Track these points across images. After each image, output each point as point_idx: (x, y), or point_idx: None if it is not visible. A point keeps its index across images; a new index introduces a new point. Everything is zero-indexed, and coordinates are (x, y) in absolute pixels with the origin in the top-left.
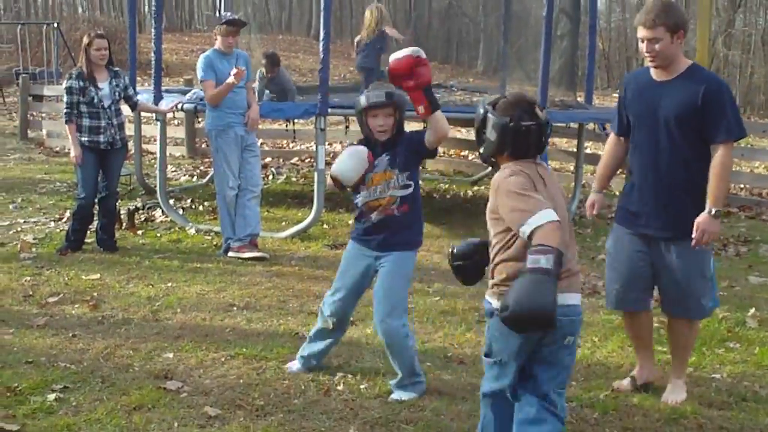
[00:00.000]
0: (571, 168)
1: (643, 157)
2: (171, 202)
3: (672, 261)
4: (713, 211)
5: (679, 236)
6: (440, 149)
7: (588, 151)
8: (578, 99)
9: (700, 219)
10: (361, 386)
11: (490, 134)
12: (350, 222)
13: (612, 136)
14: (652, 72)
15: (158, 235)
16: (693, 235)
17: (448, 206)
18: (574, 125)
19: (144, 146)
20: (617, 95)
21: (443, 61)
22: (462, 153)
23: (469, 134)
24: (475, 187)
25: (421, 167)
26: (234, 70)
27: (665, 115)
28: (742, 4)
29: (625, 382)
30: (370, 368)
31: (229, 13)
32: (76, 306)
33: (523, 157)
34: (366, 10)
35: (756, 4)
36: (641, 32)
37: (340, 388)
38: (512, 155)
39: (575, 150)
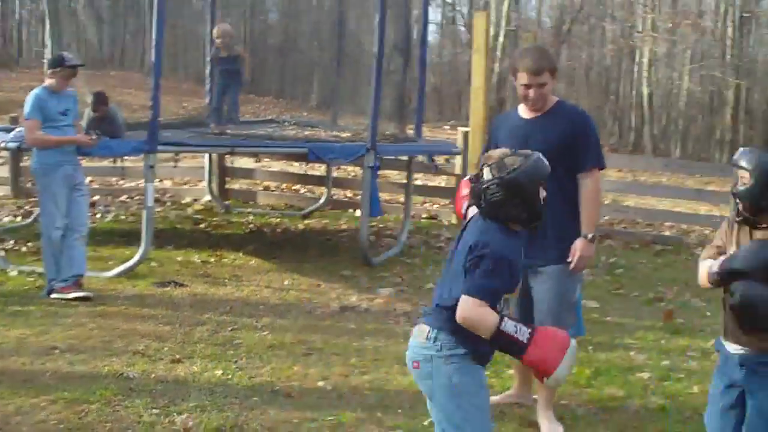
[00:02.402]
0: (401, 199)
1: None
2: None
3: (545, 289)
4: (589, 236)
5: (552, 264)
6: (272, 183)
7: (418, 182)
8: (409, 132)
9: (578, 244)
10: (189, 424)
11: None
12: (179, 259)
13: None
14: (521, 111)
15: None
16: (571, 260)
17: (279, 241)
18: (404, 158)
19: None
20: (449, 127)
21: (277, 95)
22: (293, 187)
23: (301, 168)
24: (306, 221)
25: (251, 201)
26: (89, 137)
27: (538, 149)
28: (566, 40)
29: (498, 397)
30: (196, 406)
31: (67, 54)
32: None
33: None
34: (217, 28)
35: (579, 39)
36: (527, 79)
37: (165, 427)
38: None
39: (405, 182)
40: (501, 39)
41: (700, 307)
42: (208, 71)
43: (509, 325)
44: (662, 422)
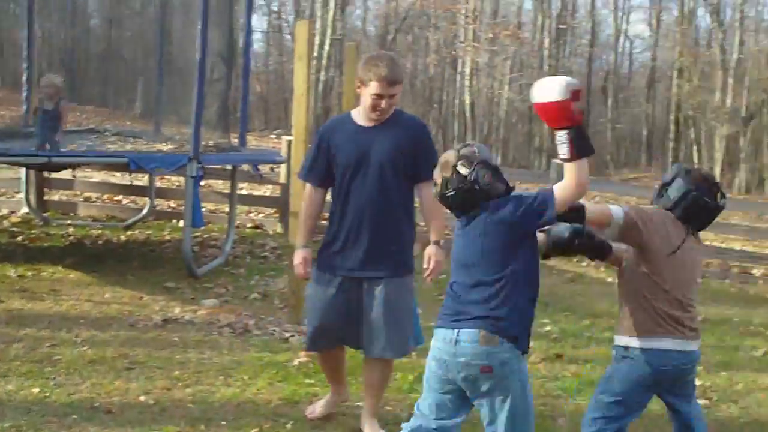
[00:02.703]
0: (227, 209)
1: (357, 201)
2: None
3: (381, 300)
4: (441, 242)
5: (390, 275)
6: (94, 194)
7: (243, 192)
8: (233, 141)
9: (433, 250)
10: None
11: None
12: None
13: (310, 188)
14: (357, 118)
15: None
16: (427, 267)
17: (100, 253)
18: (229, 167)
19: None
20: (275, 136)
21: (101, 104)
22: (116, 198)
23: (123, 178)
24: (129, 232)
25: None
26: None
27: (380, 159)
28: (391, 49)
29: (318, 408)
30: (11, 426)
31: None
32: None
33: None
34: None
35: (403, 48)
36: (381, 89)
37: None
38: None
39: (230, 191)
40: (327, 48)
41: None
42: (24, 78)
43: None
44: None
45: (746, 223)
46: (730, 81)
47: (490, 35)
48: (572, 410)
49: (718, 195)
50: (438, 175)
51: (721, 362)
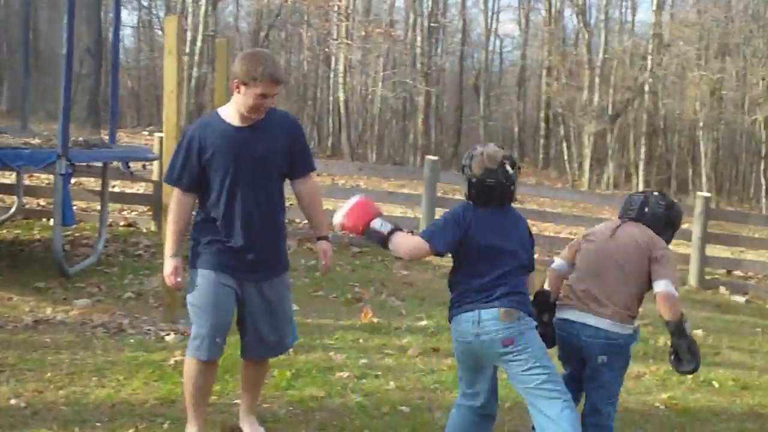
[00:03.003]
0: (98, 207)
1: (243, 203)
2: None
3: (267, 300)
4: (329, 236)
5: (278, 274)
6: None
7: (116, 189)
8: (104, 138)
9: (326, 245)
10: None
11: None
12: None
13: (179, 193)
14: (227, 117)
15: None
16: (324, 261)
17: None
18: (99, 164)
19: None
20: (147, 133)
21: None
22: None
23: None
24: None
25: None
26: None
27: (261, 159)
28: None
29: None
30: None
31: None
32: None
33: None
34: None
35: (276, 45)
36: (269, 89)
37: None
38: None
39: (101, 189)
40: (199, 44)
41: (396, 306)
42: None
43: None
44: (361, 419)
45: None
46: (597, 80)
47: (363, 33)
48: (449, 403)
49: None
50: (477, 164)
51: None
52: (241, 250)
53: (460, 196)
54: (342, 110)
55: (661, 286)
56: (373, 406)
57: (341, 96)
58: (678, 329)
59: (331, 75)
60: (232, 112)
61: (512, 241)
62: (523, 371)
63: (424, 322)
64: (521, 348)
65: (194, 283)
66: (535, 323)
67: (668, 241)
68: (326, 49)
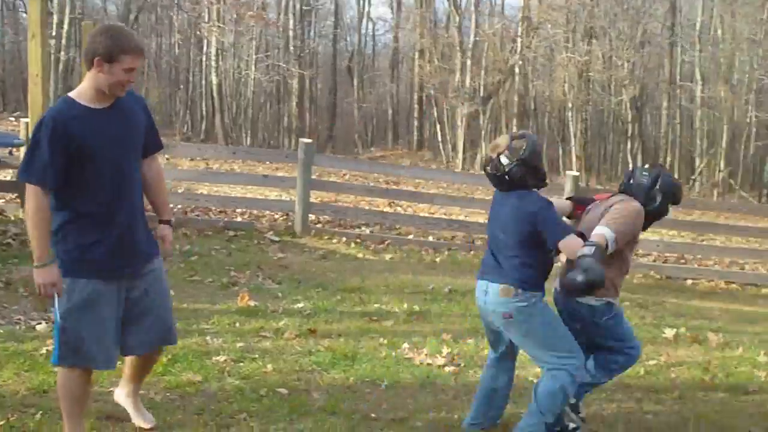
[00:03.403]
0: None
1: (116, 193)
2: None
3: (156, 288)
4: (173, 221)
5: (154, 257)
6: None
7: None
8: None
9: (167, 231)
10: None
11: None
12: None
13: (40, 192)
14: (87, 101)
15: None
16: (164, 248)
17: None
18: None
19: None
20: (14, 118)
21: None
22: None
23: None
24: None
25: None
26: None
27: (127, 143)
28: (133, 29)
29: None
30: None
31: None
32: None
33: None
34: None
35: (147, 28)
36: (136, 62)
37: None
38: None
39: None
40: (66, 27)
41: (272, 289)
42: None
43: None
44: (239, 402)
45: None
46: (469, 62)
47: (235, 16)
48: (328, 383)
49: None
50: (490, 150)
51: (468, 330)
52: (126, 244)
53: (335, 178)
54: (215, 94)
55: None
56: (251, 389)
57: (214, 80)
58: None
59: (204, 58)
60: (87, 94)
61: (493, 225)
62: (519, 341)
63: (300, 305)
64: (519, 321)
65: (69, 291)
66: (538, 296)
67: (664, 212)
68: (198, 33)
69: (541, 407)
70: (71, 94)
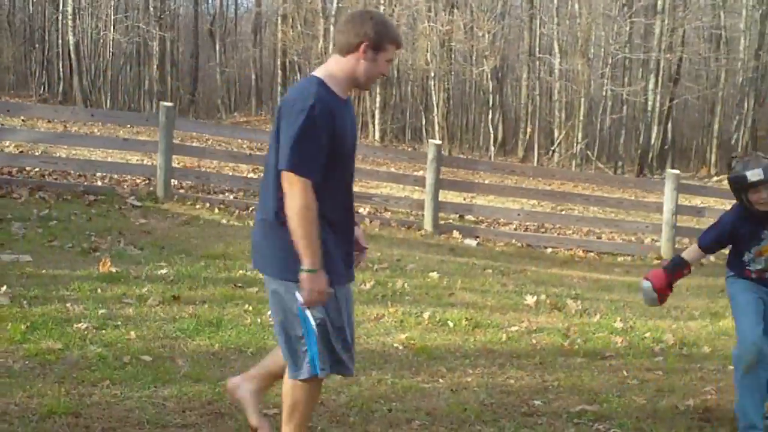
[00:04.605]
0: None
1: (348, 194)
2: None
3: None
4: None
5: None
6: None
7: None
8: None
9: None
10: None
11: None
12: None
13: (310, 188)
14: (338, 89)
15: None
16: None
17: None
18: None
19: None
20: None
21: None
22: None
23: None
24: None
25: None
26: None
27: (355, 140)
28: None
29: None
30: None
31: None
32: None
33: None
34: None
35: None
36: (394, 54)
37: None
38: None
39: None
40: None
41: (134, 255)
42: None
43: None
44: (101, 370)
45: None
46: (332, 29)
47: None
48: (192, 350)
49: None
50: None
51: None
52: (350, 248)
53: (198, 143)
54: (72, 54)
55: None
56: (114, 357)
57: (71, 39)
58: None
59: (60, 17)
60: (338, 80)
61: None
62: None
63: (164, 271)
64: None
65: (333, 299)
66: None
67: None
68: None
69: None
70: (322, 77)
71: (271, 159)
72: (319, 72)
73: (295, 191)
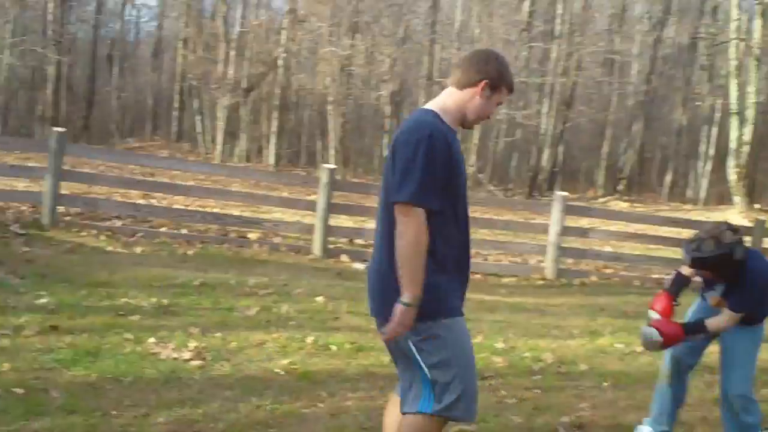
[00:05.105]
0: None
1: (462, 227)
2: None
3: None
4: None
5: None
6: None
7: None
8: None
9: None
10: None
11: None
12: None
13: (423, 217)
14: (449, 122)
15: None
16: None
17: None
18: None
19: None
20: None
21: None
22: None
23: None
24: None
25: None
26: None
27: (465, 175)
28: None
29: None
30: None
31: None
32: None
33: None
34: None
35: None
36: (505, 99)
37: None
38: None
39: None
40: None
41: (14, 284)
42: None
43: None
44: None
45: (245, 190)
46: (233, 53)
47: None
48: (68, 381)
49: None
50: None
51: (217, 323)
52: (464, 282)
53: (89, 169)
54: None
55: None
56: None
57: None
58: None
59: None
60: (451, 113)
61: None
62: None
63: (44, 300)
64: None
65: (455, 330)
66: None
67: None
68: None
69: None
70: (436, 110)
71: (383, 198)
72: (432, 105)
73: (409, 221)
